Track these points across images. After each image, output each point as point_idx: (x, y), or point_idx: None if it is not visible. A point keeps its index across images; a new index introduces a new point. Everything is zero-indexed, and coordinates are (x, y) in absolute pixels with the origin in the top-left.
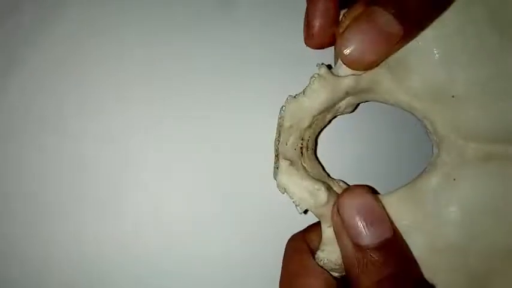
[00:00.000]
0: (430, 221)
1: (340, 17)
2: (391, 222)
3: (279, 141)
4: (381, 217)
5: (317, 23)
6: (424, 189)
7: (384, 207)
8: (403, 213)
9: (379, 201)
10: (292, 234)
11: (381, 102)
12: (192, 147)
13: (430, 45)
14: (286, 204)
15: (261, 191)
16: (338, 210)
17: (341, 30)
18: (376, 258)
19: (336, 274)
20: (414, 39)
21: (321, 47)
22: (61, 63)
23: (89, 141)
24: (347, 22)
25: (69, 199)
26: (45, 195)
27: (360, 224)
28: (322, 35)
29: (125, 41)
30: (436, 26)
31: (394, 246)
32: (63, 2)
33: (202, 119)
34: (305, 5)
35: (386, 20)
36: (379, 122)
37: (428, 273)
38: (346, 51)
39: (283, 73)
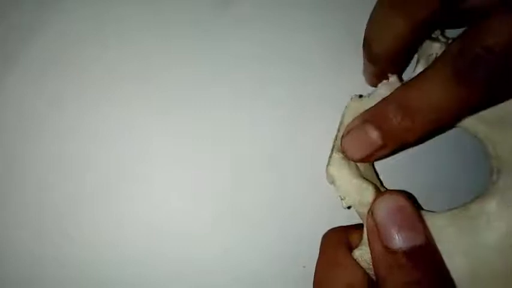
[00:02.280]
0: (478, 246)
1: None
2: (426, 229)
3: (337, 136)
4: (413, 222)
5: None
6: (478, 214)
7: (419, 213)
8: (451, 235)
9: (414, 206)
10: (292, 234)
11: None
12: (192, 147)
13: None
14: (287, 205)
15: (262, 191)
16: (372, 212)
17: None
18: (404, 262)
19: (372, 276)
20: None
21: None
22: (60, 62)
23: (87, 140)
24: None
25: (66, 199)
26: (42, 195)
27: (391, 227)
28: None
29: (124, 40)
30: None
31: (424, 253)
32: (62, 0)
33: (202, 117)
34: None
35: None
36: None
37: None
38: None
39: (283, 72)
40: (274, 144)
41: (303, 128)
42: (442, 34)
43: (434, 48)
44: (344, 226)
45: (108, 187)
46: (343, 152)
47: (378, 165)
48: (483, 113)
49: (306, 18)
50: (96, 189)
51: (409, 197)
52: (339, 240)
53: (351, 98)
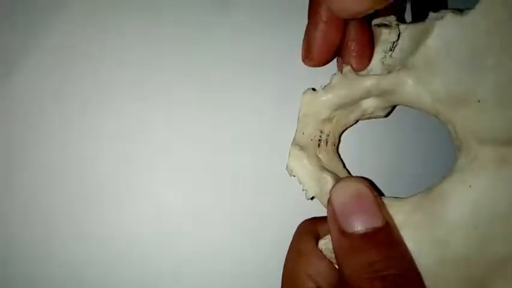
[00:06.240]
0: (440, 230)
1: None
2: (384, 213)
3: (297, 129)
4: (369, 206)
5: (317, 46)
6: (440, 196)
7: (378, 198)
8: (417, 219)
9: (371, 191)
10: (293, 233)
11: (405, 105)
12: (191, 147)
13: (457, 49)
14: (286, 204)
15: (262, 191)
16: (329, 200)
17: None
18: (360, 245)
19: (336, 265)
20: (441, 44)
21: (319, 66)
22: (63, 66)
23: (89, 141)
24: None
25: (69, 199)
26: (47, 195)
27: (347, 211)
28: (321, 57)
29: (125, 43)
30: (463, 30)
31: (381, 237)
32: (64, 1)
33: (202, 119)
34: (302, 7)
35: None
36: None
37: (431, 284)
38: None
39: (281, 74)
40: (276, 143)
41: None
42: (398, 19)
43: (388, 35)
44: (317, 217)
45: (110, 187)
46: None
47: (346, 154)
48: (441, 95)
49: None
50: (98, 190)
51: (370, 183)
52: (307, 231)
53: (305, 92)
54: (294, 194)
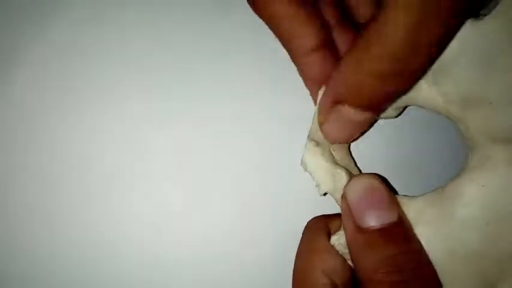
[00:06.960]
0: (454, 227)
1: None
2: (398, 208)
3: (312, 125)
4: (385, 201)
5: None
6: (452, 195)
7: (391, 194)
8: (429, 217)
9: (385, 187)
10: (293, 232)
11: (418, 106)
12: (191, 147)
13: (469, 51)
14: (287, 204)
15: (262, 191)
16: (344, 195)
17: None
18: (376, 240)
19: (349, 262)
20: (454, 46)
21: None
22: (63, 62)
23: (91, 141)
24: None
25: (69, 199)
26: (47, 195)
27: (363, 207)
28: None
29: (125, 43)
30: (476, 32)
31: (396, 231)
32: (65, 2)
33: (202, 119)
34: None
35: (352, 113)
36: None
37: (444, 279)
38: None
39: (282, 74)
40: (275, 143)
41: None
42: None
43: None
44: (326, 214)
45: (110, 188)
46: (326, 137)
47: (355, 152)
48: (453, 97)
49: None
50: (100, 190)
51: (383, 180)
52: (318, 228)
53: (321, 88)
54: (295, 193)
